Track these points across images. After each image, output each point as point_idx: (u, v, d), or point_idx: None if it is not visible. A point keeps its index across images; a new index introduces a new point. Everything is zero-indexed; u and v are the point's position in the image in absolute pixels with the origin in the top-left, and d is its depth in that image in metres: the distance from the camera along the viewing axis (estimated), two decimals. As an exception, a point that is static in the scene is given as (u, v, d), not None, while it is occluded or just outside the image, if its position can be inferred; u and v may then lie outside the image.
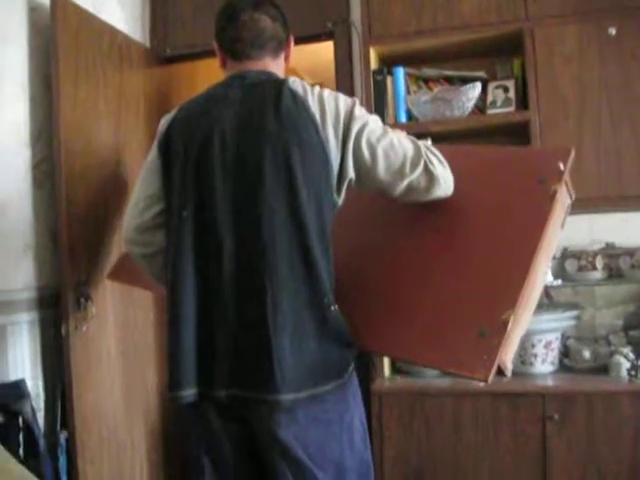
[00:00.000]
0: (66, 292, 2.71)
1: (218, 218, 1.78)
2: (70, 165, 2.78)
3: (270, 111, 1.76)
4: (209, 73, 4.51)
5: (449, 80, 2.93)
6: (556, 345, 2.82)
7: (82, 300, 2.76)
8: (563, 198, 1.83)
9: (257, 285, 1.73)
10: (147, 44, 3.57)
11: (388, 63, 2.92)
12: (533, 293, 1.79)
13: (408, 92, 2.90)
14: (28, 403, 2.49)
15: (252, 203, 1.75)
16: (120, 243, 3.05)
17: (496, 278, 1.75)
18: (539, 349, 2.78)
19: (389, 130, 1.80)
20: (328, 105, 1.76)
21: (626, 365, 2.63)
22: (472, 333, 1.67)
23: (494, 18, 2.78)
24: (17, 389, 2.50)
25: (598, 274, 2.81)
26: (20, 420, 2.45)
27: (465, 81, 2.86)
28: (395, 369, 2.98)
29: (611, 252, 2.88)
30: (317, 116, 1.75)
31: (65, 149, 2.75)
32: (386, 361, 2.88)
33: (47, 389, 2.76)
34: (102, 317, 2.92)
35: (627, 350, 2.70)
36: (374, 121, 1.79)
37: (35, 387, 2.68)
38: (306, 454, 1.77)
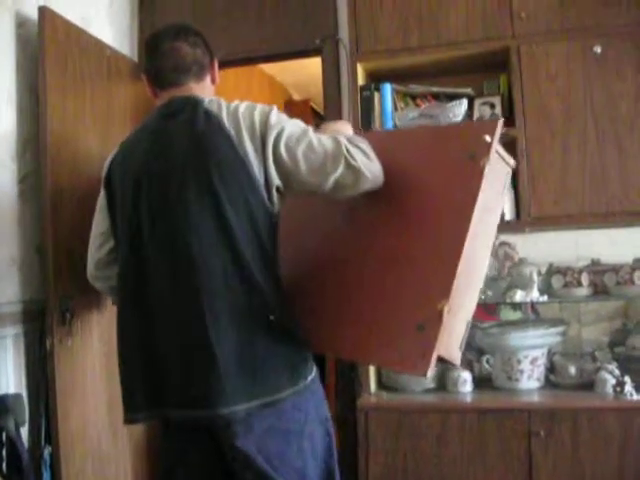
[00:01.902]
0: (51, 306, 2.69)
1: (152, 254, 1.86)
2: (56, 179, 2.77)
3: (186, 137, 1.84)
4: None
5: (436, 96, 2.95)
6: (542, 361, 2.83)
7: (67, 314, 2.73)
8: (495, 170, 1.80)
9: (196, 307, 1.78)
10: (135, 58, 3.57)
11: (375, 79, 2.94)
12: (474, 275, 1.80)
13: (395, 108, 2.91)
14: (11, 418, 2.47)
15: (180, 232, 1.82)
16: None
17: (429, 267, 1.73)
18: (525, 365, 2.78)
19: (310, 131, 1.84)
20: (243, 119, 1.82)
21: (612, 381, 2.64)
22: (411, 328, 1.68)
23: (480, 35, 2.80)
24: (0, 404, 2.47)
25: (584, 290, 2.82)
26: (3, 435, 2.43)
27: (452, 97, 2.88)
28: (381, 385, 2.97)
29: (597, 269, 2.89)
30: (232, 132, 1.81)
31: (52, 163, 2.74)
32: (372, 377, 2.88)
33: (31, 404, 2.73)
34: (87, 332, 2.90)
35: (613, 366, 2.70)
36: (292, 125, 1.84)
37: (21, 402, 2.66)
38: (268, 464, 1.80)
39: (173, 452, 1.98)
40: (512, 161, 1.93)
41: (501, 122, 1.80)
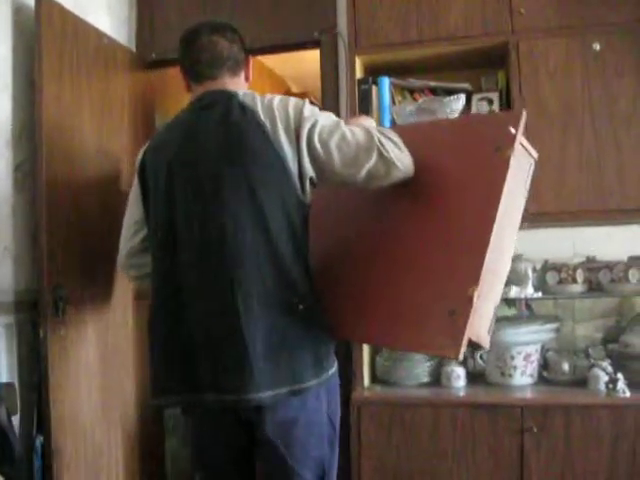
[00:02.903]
0: (44, 295, 2.69)
1: (185, 236, 1.92)
2: (51, 167, 2.76)
3: (221, 128, 1.91)
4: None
5: (434, 91, 2.94)
6: (535, 357, 2.83)
7: (60, 304, 2.73)
8: (520, 161, 1.85)
9: (228, 292, 1.83)
10: (133, 48, 3.56)
11: (374, 73, 2.92)
12: (500, 262, 1.85)
13: (393, 102, 2.90)
14: (3, 407, 2.46)
15: (215, 215, 1.88)
16: (100, 247, 3.04)
17: (458, 254, 1.80)
18: (518, 361, 2.78)
19: (342, 124, 1.90)
20: (277, 112, 1.88)
21: (604, 378, 2.64)
22: (442, 313, 1.74)
23: (480, 30, 2.79)
24: (-9, 393, 2.47)
25: (578, 287, 2.82)
26: (-6, 424, 2.43)
27: (450, 92, 2.87)
28: (375, 379, 2.97)
29: (592, 266, 2.89)
30: (267, 124, 1.87)
31: (47, 151, 2.73)
32: (366, 370, 2.88)
33: (24, 393, 2.72)
34: (81, 321, 2.90)
35: (606, 363, 2.71)
36: (325, 118, 1.90)
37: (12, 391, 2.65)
38: (288, 451, 1.89)
39: (205, 435, 2.06)
40: (535, 153, 1.97)
41: (525, 114, 1.83)
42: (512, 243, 1.95)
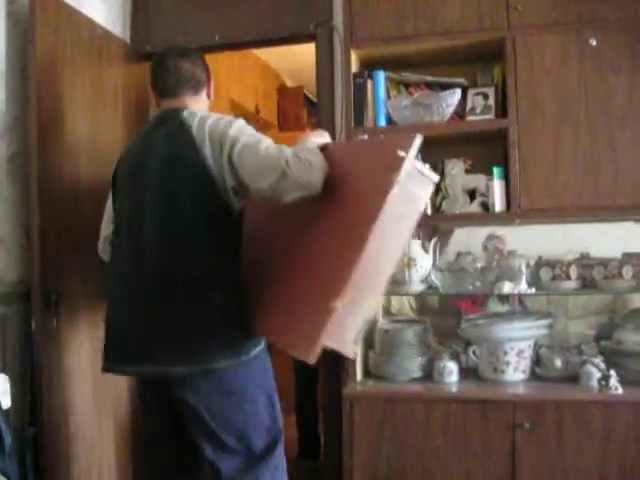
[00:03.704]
0: (36, 287, 2.68)
1: (131, 235, 2.29)
2: (44, 159, 2.75)
3: (163, 141, 2.25)
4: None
5: (429, 85, 2.93)
6: (528, 353, 2.83)
7: (53, 296, 2.72)
8: (409, 184, 1.92)
9: (156, 287, 2.19)
10: (127, 40, 3.54)
11: (369, 67, 2.91)
12: (377, 277, 1.97)
13: (388, 96, 2.90)
14: (-6, 399, 2.45)
15: (150, 221, 2.23)
16: (94, 241, 3.03)
17: (333, 267, 1.96)
18: (511, 357, 2.78)
19: (261, 143, 2.13)
20: (208, 128, 2.17)
21: (597, 375, 2.64)
22: (309, 319, 1.95)
23: (476, 25, 2.78)
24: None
25: (572, 284, 2.81)
26: (-15, 416, 2.41)
27: (445, 87, 2.86)
28: (368, 374, 2.97)
29: (585, 262, 2.89)
30: (198, 139, 2.16)
31: (40, 142, 2.72)
32: (359, 366, 2.88)
33: (16, 385, 2.71)
34: (73, 313, 2.89)
35: (598, 360, 2.71)
36: (248, 136, 2.16)
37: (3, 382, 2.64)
38: (213, 420, 2.22)
39: (145, 401, 2.47)
40: (434, 176, 2.03)
41: (419, 139, 1.93)
42: (393, 260, 2.05)
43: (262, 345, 2.28)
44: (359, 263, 1.84)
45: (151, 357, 2.18)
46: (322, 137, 2.31)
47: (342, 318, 1.86)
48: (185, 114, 2.25)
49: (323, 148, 2.15)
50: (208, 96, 2.47)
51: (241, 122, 2.22)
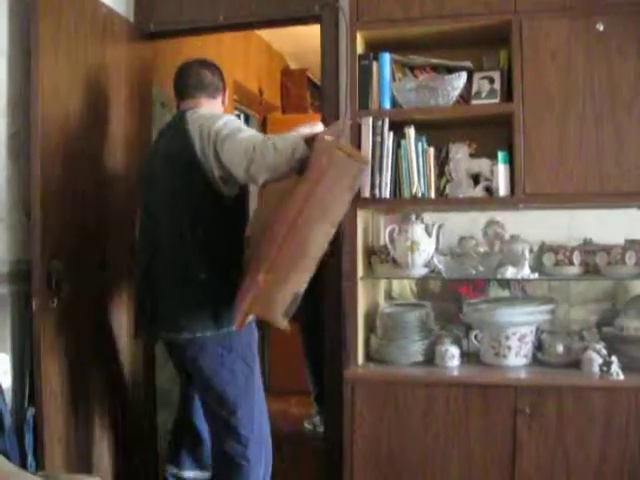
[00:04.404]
0: (37, 267, 2.67)
1: (150, 212, 2.71)
2: (47, 137, 2.74)
3: (168, 136, 2.70)
4: (192, 50, 4.47)
5: (435, 68, 2.90)
6: (530, 339, 2.83)
7: (54, 276, 2.72)
8: (340, 168, 2.12)
9: (156, 263, 2.64)
10: (131, 19, 3.51)
11: (374, 49, 2.88)
12: (305, 257, 2.19)
13: (393, 79, 2.87)
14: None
15: (157, 201, 2.67)
16: (96, 221, 3.02)
17: (269, 250, 2.24)
18: (513, 342, 2.78)
19: (242, 133, 2.44)
20: (199, 124, 2.53)
21: (598, 361, 2.64)
22: (244, 293, 2.32)
23: (482, 9, 2.74)
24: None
25: (575, 269, 2.81)
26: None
27: (451, 70, 2.84)
28: (369, 357, 2.97)
29: (589, 248, 2.88)
30: (191, 135, 2.52)
31: (42, 120, 2.71)
32: (360, 349, 2.87)
33: (15, 365, 2.72)
34: (74, 294, 2.89)
35: (600, 346, 2.70)
36: (229, 128, 2.46)
37: (4, 362, 2.65)
38: (200, 382, 2.69)
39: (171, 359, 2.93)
40: (365, 158, 2.21)
41: (348, 123, 2.31)
42: (324, 240, 2.23)
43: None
44: (284, 246, 2.13)
45: (162, 325, 2.64)
46: (312, 128, 2.51)
47: (269, 292, 2.18)
48: (189, 113, 2.62)
49: (314, 137, 2.35)
50: (222, 102, 2.85)
51: (228, 117, 2.55)
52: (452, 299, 3.21)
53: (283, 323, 2.28)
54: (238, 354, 2.63)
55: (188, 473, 3.01)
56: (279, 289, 2.18)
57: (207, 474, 2.97)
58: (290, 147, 2.31)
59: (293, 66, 6.91)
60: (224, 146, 2.43)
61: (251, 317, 2.45)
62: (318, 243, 2.17)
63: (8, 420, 2.54)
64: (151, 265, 2.65)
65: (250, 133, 2.46)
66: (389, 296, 3.35)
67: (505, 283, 3.12)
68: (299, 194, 2.17)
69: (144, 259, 2.71)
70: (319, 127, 2.52)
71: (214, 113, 2.61)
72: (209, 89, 2.77)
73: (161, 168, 2.65)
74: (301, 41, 5.51)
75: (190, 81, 2.75)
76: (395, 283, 3.35)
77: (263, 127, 6.30)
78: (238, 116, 6.00)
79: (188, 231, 2.53)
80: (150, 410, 3.59)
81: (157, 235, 2.64)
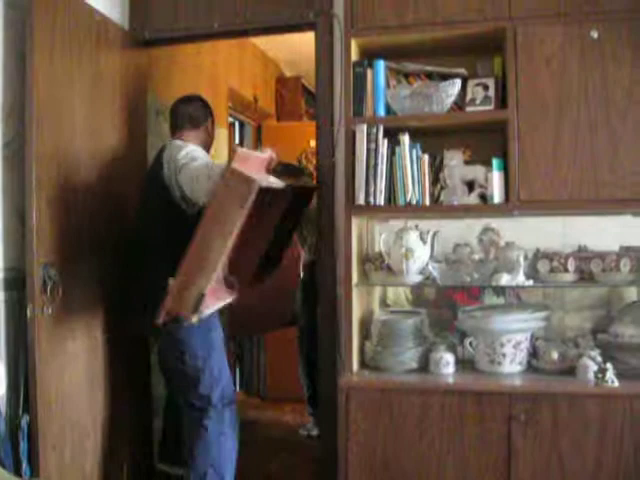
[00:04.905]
0: (32, 274, 2.67)
1: (138, 222, 3.16)
2: (41, 145, 2.74)
3: (154, 160, 3.12)
4: (187, 58, 4.48)
5: (429, 75, 2.91)
6: (525, 345, 2.82)
7: (49, 283, 2.71)
8: (230, 187, 2.46)
9: (140, 261, 3.06)
10: (126, 26, 3.51)
11: (369, 56, 2.89)
12: (207, 263, 2.51)
13: (388, 86, 2.87)
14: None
15: (142, 214, 3.13)
16: (91, 229, 3.02)
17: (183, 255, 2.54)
18: (508, 349, 2.78)
19: (194, 161, 2.83)
20: (170, 155, 2.94)
21: (593, 368, 2.64)
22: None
23: (476, 16, 2.75)
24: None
25: (569, 276, 2.81)
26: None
27: (445, 77, 2.84)
28: (364, 364, 2.96)
29: (583, 255, 2.88)
30: (164, 163, 2.94)
31: (37, 128, 2.71)
32: (355, 356, 2.87)
33: (10, 372, 2.71)
34: (69, 301, 2.88)
35: (595, 353, 2.70)
36: (188, 158, 2.85)
37: (-1, 369, 2.64)
38: (167, 369, 3.13)
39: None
40: (258, 178, 2.45)
41: (239, 151, 2.59)
42: (221, 247, 2.51)
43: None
44: (189, 255, 2.49)
45: (139, 316, 2.94)
46: (257, 155, 2.81)
47: (181, 292, 2.52)
48: (168, 144, 3.08)
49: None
50: (208, 130, 3.27)
51: (191, 148, 2.95)
52: (447, 306, 3.21)
53: (193, 318, 2.57)
54: (201, 344, 2.99)
55: (179, 470, 3.26)
56: (187, 290, 2.53)
57: None
58: (218, 175, 2.61)
59: (288, 74, 6.92)
60: (181, 172, 2.84)
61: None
62: (216, 250, 2.51)
63: (2, 427, 2.53)
64: (137, 266, 3.07)
65: (201, 162, 2.83)
66: (384, 303, 3.34)
67: (500, 290, 3.12)
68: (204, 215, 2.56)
69: (134, 261, 3.12)
70: (266, 155, 2.79)
71: (183, 145, 2.99)
72: (191, 122, 3.20)
73: (145, 187, 3.14)
74: (296, 49, 5.52)
75: (173, 119, 3.24)
76: (390, 290, 3.35)
77: (258, 134, 6.31)
78: (233, 124, 6.02)
79: (158, 240, 2.92)
80: (146, 417, 3.58)
81: (141, 240, 3.07)
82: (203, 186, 2.70)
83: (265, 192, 2.69)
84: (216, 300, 2.78)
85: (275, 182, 2.72)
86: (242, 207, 2.45)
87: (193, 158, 2.86)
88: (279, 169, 2.89)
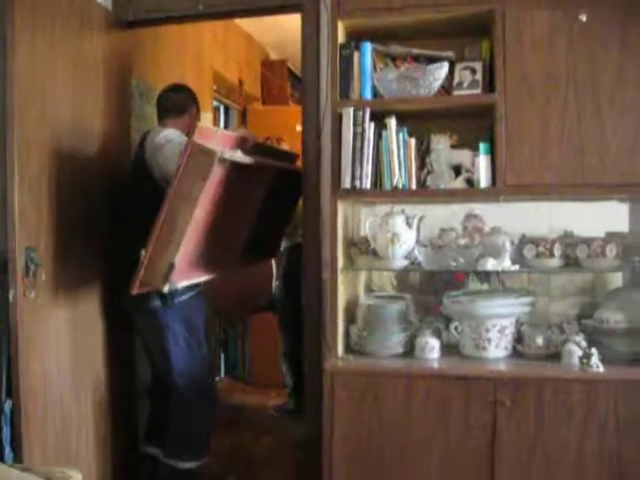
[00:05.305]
0: (14, 257, 2.64)
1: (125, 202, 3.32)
2: (23, 127, 2.70)
3: (138, 144, 3.26)
4: (172, 40, 4.43)
5: (416, 59, 2.88)
6: (510, 330, 2.82)
7: (32, 266, 2.68)
8: (193, 160, 2.56)
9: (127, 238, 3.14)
10: (109, 7, 3.46)
11: (356, 38, 2.86)
12: (173, 235, 2.63)
13: (375, 69, 2.85)
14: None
15: (128, 193, 3.29)
16: (74, 212, 2.99)
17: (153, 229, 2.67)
18: (493, 334, 2.78)
19: (169, 143, 2.97)
20: (150, 140, 3.09)
21: (578, 353, 2.64)
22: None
23: (465, -2, 2.74)
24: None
25: (555, 261, 2.80)
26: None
27: (432, 60, 2.82)
28: (349, 349, 2.96)
29: (569, 241, 2.88)
30: (146, 147, 3.10)
31: (19, 110, 2.67)
32: (340, 340, 2.86)
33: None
34: (52, 285, 2.86)
35: (580, 338, 2.71)
36: (164, 141, 3.01)
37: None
38: (150, 347, 3.38)
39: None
40: (217, 150, 2.55)
41: (197, 126, 2.65)
42: (187, 218, 2.61)
43: (191, 293, 3.16)
44: (157, 226, 2.59)
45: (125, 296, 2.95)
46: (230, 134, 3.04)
47: (150, 261, 2.64)
48: (150, 130, 3.25)
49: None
50: (192, 117, 3.36)
51: (168, 131, 3.09)
52: (432, 292, 3.20)
53: (164, 287, 2.71)
54: (181, 323, 3.18)
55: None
56: (158, 259, 2.65)
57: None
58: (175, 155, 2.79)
59: (274, 57, 6.88)
60: (158, 153, 2.99)
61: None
62: (181, 221, 2.62)
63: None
64: (124, 247, 3.14)
65: (175, 143, 2.95)
66: (369, 289, 3.33)
67: (484, 277, 3.12)
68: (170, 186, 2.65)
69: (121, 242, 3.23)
70: (237, 133, 3.06)
71: (161, 129, 3.17)
72: (173, 109, 3.34)
73: (130, 172, 3.28)
74: (282, 32, 5.48)
75: (159, 107, 3.39)
76: (375, 276, 3.34)
77: (243, 118, 6.27)
78: (217, 108, 5.98)
79: (142, 221, 2.83)
80: (131, 399, 3.57)
81: (127, 221, 3.21)
82: (172, 164, 2.79)
83: (238, 170, 2.84)
84: (189, 276, 2.95)
85: (241, 158, 2.81)
86: (204, 179, 2.56)
87: (169, 140, 3.01)
88: (255, 149, 3.00)
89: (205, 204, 2.72)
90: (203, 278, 3.14)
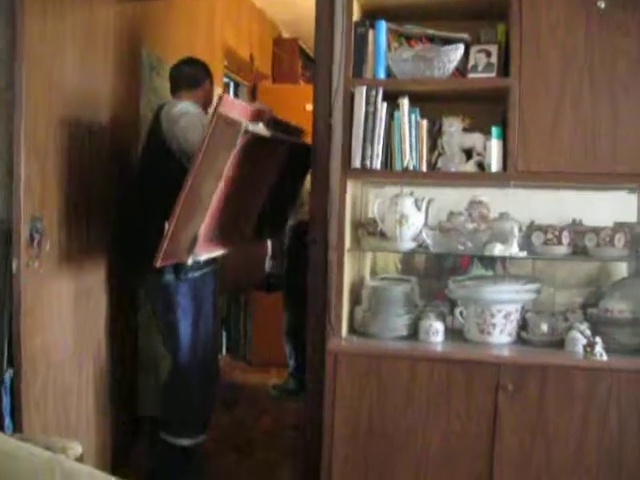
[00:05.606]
0: (19, 227, 2.62)
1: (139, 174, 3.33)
2: (32, 97, 2.67)
3: (152, 119, 3.27)
4: (183, 12, 4.39)
5: (431, 39, 2.85)
6: (515, 317, 2.81)
7: (36, 236, 2.67)
8: (220, 131, 2.53)
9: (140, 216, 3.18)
10: (120, -24, 3.42)
11: (371, 17, 2.83)
12: (198, 208, 2.66)
13: (389, 48, 2.82)
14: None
15: (142, 166, 3.31)
16: (80, 183, 2.97)
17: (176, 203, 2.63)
18: (498, 319, 2.77)
19: (185, 116, 3.02)
20: (167, 111, 3.11)
21: (582, 341, 2.63)
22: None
23: (482, -20, 2.70)
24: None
25: (563, 249, 2.78)
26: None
27: (447, 42, 2.78)
28: (353, 330, 2.95)
29: (578, 229, 2.86)
30: (162, 120, 3.10)
31: (27, 79, 2.64)
32: (344, 321, 2.85)
33: (-5, 324, 2.68)
34: (56, 255, 2.85)
35: (584, 326, 2.69)
36: (181, 114, 3.04)
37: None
38: (159, 319, 3.35)
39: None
40: (243, 121, 2.54)
41: (223, 97, 2.60)
42: (212, 190, 2.63)
43: (205, 270, 3.21)
44: (182, 198, 2.56)
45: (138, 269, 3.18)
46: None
47: (175, 233, 2.60)
48: (165, 103, 3.22)
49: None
50: (205, 91, 3.38)
51: (184, 104, 3.12)
52: (437, 275, 3.19)
53: (187, 259, 2.77)
54: (192, 299, 3.22)
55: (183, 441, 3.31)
56: (183, 231, 2.66)
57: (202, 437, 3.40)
58: (199, 128, 2.85)
59: (286, 35, 6.83)
60: (176, 125, 3.01)
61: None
62: (207, 192, 2.63)
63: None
64: (136, 220, 3.17)
65: (193, 114, 3.05)
66: (374, 272, 3.32)
67: (488, 264, 3.10)
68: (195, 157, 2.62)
69: (132, 214, 3.22)
70: (256, 106, 2.98)
71: (177, 102, 3.17)
72: (187, 81, 3.32)
73: (145, 145, 3.30)
74: (295, 9, 5.44)
75: (172, 79, 3.38)
76: (380, 260, 3.32)
77: (252, 95, 6.23)
78: (227, 84, 5.94)
79: (158, 193, 2.93)
80: (132, 375, 3.57)
81: (141, 194, 3.19)
82: (196, 135, 2.83)
83: (255, 143, 2.80)
84: (209, 249, 2.97)
85: (262, 130, 2.80)
86: (229, 150, 2.55)
87: (186, 112, 3.05)
88: (272, 124, 2.98)
89: (225, 177, 2.70)
90: (221, 252, 3.17)
